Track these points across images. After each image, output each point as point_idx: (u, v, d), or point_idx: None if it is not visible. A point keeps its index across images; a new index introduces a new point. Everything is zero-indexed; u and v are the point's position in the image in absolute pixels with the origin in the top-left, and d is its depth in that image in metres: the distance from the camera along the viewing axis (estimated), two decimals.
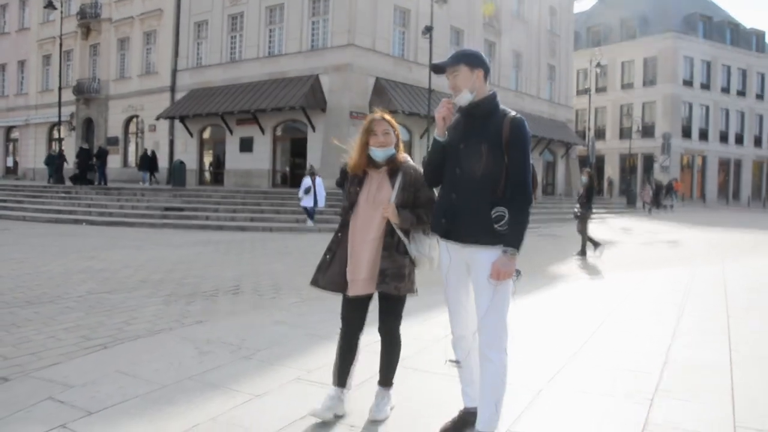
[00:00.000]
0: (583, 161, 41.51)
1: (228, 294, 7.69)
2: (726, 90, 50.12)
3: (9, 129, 43.52)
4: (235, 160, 28.08)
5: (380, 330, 3.58)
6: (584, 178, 13.35)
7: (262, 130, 26.63)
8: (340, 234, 3.59)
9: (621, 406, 3.81)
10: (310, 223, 17.54)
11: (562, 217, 25.22)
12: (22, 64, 41.71)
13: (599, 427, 3.49)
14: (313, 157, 24.36)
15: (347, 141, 3.70)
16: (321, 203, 17.48)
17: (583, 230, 12.85)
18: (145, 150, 30.43)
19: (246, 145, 27.55)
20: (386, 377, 3.64)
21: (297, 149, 26.49)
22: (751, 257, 13.06)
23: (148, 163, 28.74)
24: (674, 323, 6.09)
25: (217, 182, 29.39)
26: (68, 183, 26.33)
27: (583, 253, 12.62)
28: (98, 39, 35.32)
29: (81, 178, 25.77)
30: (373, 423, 3.48)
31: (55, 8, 28.02)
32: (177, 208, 19.74)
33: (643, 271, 10.55)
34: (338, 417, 3.53)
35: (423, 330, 5.54)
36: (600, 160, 48.35)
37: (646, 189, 36.91)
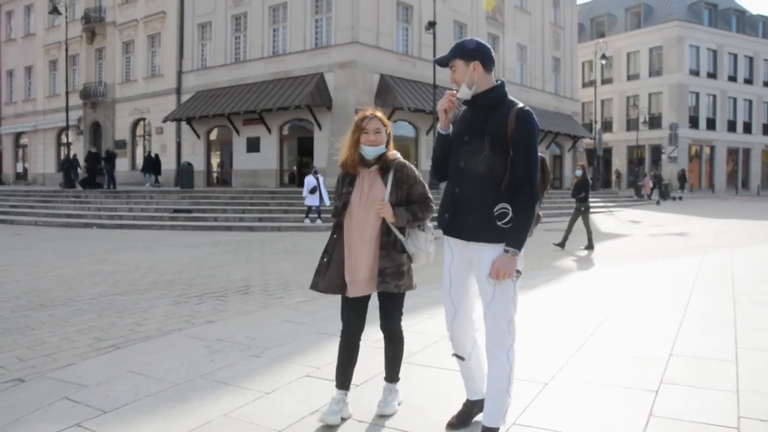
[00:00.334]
0: (590, 154, 41.47)
1: (237, 294, 7.78)
2: (733, 78, 49.75)
3: (18, 135, 43.84)
4: (242, 160, 28.19)
5: (383, 328, 3.59)
6: (578, 172, 13.36)
7: (269, 130, 26.72)
8: (335, 235, 3.55)
9: (626, 396, 3.84)
10: (318, 221, 17.67)
11: (570, 211, 25.16)
12: (29, 69, 41.97)
13: (604, 417, 3.53)
14: (319, 156, 24.45)
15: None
16: (327, 201, 17.60)
17: (586, 223, 12.86)
18: (149, 153, 30.60)
19: (253, 145, 27.65)
20: (392, 373, 3.66)
21: (304, 148, 26.57)
22: (759, 247, 13.02)
23: (151, 165, 28.91)
24: (681, 314, 6.11)
25: (224, 183, 29.52)
26: (78, 187, 26.54)
27: (590, 246, 12.64)
28: (103, 43, 35.51)
29: (90, 181, 25.98)
30: (381, 417, 3.53)
31: (60, 13, 28.24)
32: (185, 210, 19.88)
33: (651, 262, 10.56)
34: (344, 419, 3.54)
35: (429, 326, 5.59)
36: (607, 152, 48.21)
37: (645, 180, 36.85)
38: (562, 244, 12.69)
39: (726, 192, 46.50)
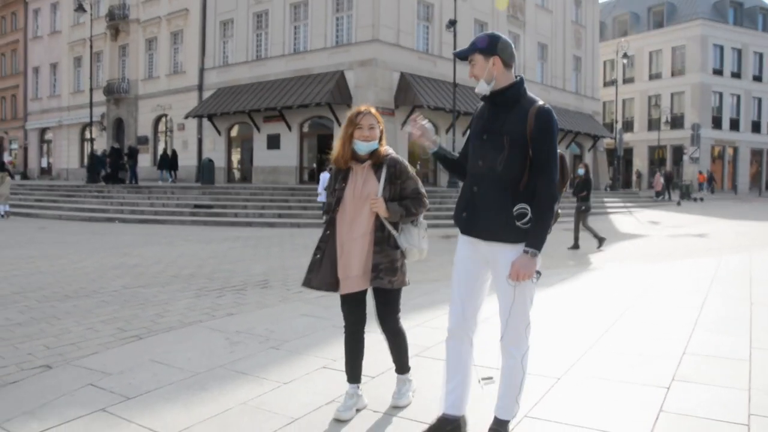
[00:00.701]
0: (611, 153, 41.20)
1: (257, 288, 7.91)
2: (758, 78, 49.00)
3: (43, 130, 44.61)
4: (262, 157, 28.39)
5: (382, 327, 3.58)
6: (580, 171, 13.26)
7: (289, 127, 26.89)
8: (328, 231, 3.53)
9: (637, 392, 3.89)
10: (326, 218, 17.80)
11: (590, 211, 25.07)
12: (54, 66, 42.64)
13: (615, 411, 3.58)
14: None
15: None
16: None
17: (583, 222, 12.80)
18: (164, 150, 30.93)
19: (273, 142, 27.84)
20: (401, 365, 3.67)
21: (324, 145, 26.69)
22: None
23: (167, 162, 29.24)
24: (696, 314, 6.12)
25: (245, 179, 29.74)
26: (101, 182, 26.93)
27: (599, 243, 12.60)
28: (127, 40, 35.96)
29: (113, 177, 26.34)
30: (396, 408, 3.60)
31: (85, 11, 28.58)
32: (206, 206, 20.10)
33: (668, 262, 10.54)
34: (359, 410, 3.59)
35: (444, 321, 5.65)
36: (628, 152, 47.83)
37: (656, 178, 36.59)
38: (575, 246, 12.65)
39: (749, 193, 45.94)
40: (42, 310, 6.46)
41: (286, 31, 27.76)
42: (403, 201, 3.42)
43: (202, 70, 31.35)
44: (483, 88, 2.96)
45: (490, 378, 3.14)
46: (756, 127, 49.11)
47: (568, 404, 3.72)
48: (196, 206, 20.09)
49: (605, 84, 47.89)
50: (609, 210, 26.54)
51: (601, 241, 12.67)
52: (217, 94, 29.66)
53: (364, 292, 3.51)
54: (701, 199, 35.95)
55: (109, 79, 36.29)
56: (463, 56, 3.04)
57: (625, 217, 23.38)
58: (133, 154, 27.40)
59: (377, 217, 3.40)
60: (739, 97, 48.08)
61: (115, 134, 36.21)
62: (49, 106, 42.91)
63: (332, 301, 6.91)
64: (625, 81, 48.22)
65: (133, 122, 35.47)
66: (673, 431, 3.31)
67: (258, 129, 28.25)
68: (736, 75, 47.89)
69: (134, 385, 4.07)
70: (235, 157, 31.12)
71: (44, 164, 45.00)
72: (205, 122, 30.55)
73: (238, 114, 27.92)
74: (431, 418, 3.41)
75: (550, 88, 34.49)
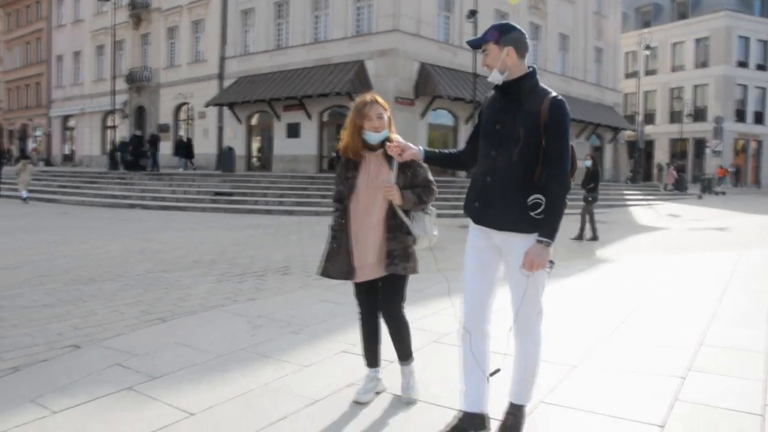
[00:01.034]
0: (632, 146, 40.89)
1: (277, 274, 8.02)
2: None
3: (66, 118, 45.18)
4: (282, 145, 28.53)
5: (385, 315, 3.57)
6: (587, 162, 13.19)
7: (309, 116, 26.99)
8: (343, 221, 3.53)
9: (652, 382, 3.93)
10: None
11: (609, 203, 24.99)
12: (77, 54, 43.11)
13: (630, 399, 3.63)
14: None
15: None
16: None
17: (590, 214, 12.71)
18: (180, 137, 31.19)
19: (293, 131, 27.95)
20: (403, 352, 3.63)
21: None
22: None
23: (183, 149, 29.48)
24: (715, 307, 6.12)
25: (264, 168, 29.92)
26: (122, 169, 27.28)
27: (580, 237, 12.54)
28: (149, 28, 36.22)
29: (134, 164, 26.65)
30: (410, 403, 3.54)
31: (108, 0, 28.83)
32: (227, 193, 20.30)
33: (687, 254, 10.52)
34: (379, 394, 3.65)
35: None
36: (649, 145, 47.38)
37: (670, 171, 36.30)
38: (594, 237, 12.61)
39: None
40: (68, 293, 6.63)
41: (307, 21, 27.81)
42: (415, 189, 3.44)
43: (223, 59, 31.50)
44: (496, 78, 2.96)
45: (498, 370, 3.11)
46: None
47: (583, 391, 3.77)
48: (216, 194, 20.30)
49: (627, 76, 47.37)
50: (628, 203, 26.39)
51: (580, 237, 12.58)
52: (237, 83, 29.81)
53: (377, 280, 3.52)
54: (723, 193, 35.60)
55: (131, 67, 36.61)
56: (476, 45, 3.03)
57: (645, 210, 23.25)
58: (155, 141, 27.71)
59: (390, 204, 3.42)
60: (764, 90, 47.33)
61: (137, 122, 36.56)
62: (72, 93, 43.41)
63: (351, 288, 7.00)
64: (648, 73, 47.71)
65: (154, 110, 35.78)
66: (688, 420, 3.36)
67: (278, 117, 28.37)
68: (762, 67, 47.11)
69: (159, 366, 4.19)
70: (255, 145, 31.29)
71: (66, 151, 45.60)
72: (226, 111, 30.74)
73: (258, 103, 28.05)
74: (447, 402, 3.52)
75: (570, 79, 34.24)
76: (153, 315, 5.74)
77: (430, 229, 3.48)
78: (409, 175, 3.44)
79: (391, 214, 3.44)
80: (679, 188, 35.25)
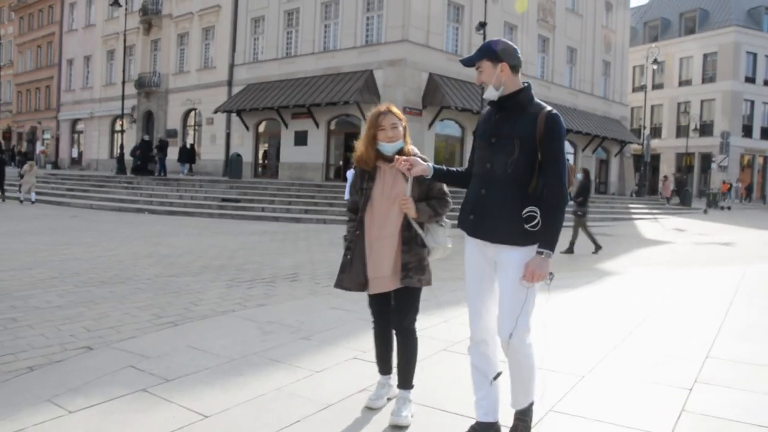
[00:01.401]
0: (638, 159, 40.91)
1: (286, 280, 8.09)
2: None
3: (75, 121, 45.48)
4: (289, 153, 28.65)
5: (397, 328, 3.52)
6: (579, 176, 13.17)
7: (317, 124, 27.12)
8: (358, 232, 3.51)
9: (660, 392, 3.98)
10: None
11: (615, 216, 25.02)
12: (87, 59, 43.43)
13: (638, 409, 3.68)
14: None
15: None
16: None
17: (583, 227, 12.65)
18: (184, 143, 31.35)
19: (300, 139, 28.08)
20: (406, 378, 3.53)
21: (350, 143, 26.85)
22: None
23: (186, 155, 29.63)
24: (720, 320, 6.16)
25: (271, 175, 30.04)
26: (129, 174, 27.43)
27: (570, 250, 12.44)
28: (159, 34, 36.47)
29: (142, 169, 26.81)
30: (396, 428, 3.38)
31: (120, 5, 29.11)
32: (234, 199, 20.39)
33: (693, 269, 10.55)
34: (391, 400, 3.64)
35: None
36: (655, 159, 47.38)
37: (666, 183, 36.28)
38: (597, 247, 12.51)
39: None
40: (80, 295, 6.70)
41: (317, 30, 27.99)
42: (430, 201, 3.42)
43: (232, 66, 31.69)
44: (492, 94, 3.01)
45: (500, 373, 3.14)
46: None
47: (592, 401, 3.82)
48: (223, 200, 20.39)
49: (634, 89, 47.46)
50: (634, 216, 26.42)
51: (571, 250, 12.44)
52: (246, 90, 29.98)
53: (391, 291, 3.50)
54: (728, 208, 35.58)
55: (140, 72, 36.86)
56: (470, 63, 3.09)
57: (651, 224, 23.26)
58: (163, 146, 27.88)
59: (405, 216, 3.40)
60: None
61: (145, 127, 36.74)
62: (81, 97, 43.71)
63: (360, 295, 7.04)
64: (655, 87, 47.77)
65: (162, 115, 35.98)
66: (695, 430, 3.41)
67: (286, 125, 28.51)
68: None
69: (172, 369, 4.24)
70: (262, 152, 31.43)
71: (75, 154, 45.85)
72: (234, 117, 30.90)
73: (266, 110, 28.20)
74: (458, 409, 3.57)
75: (578, 92, 34.34)
76: (164, 318, 5.81)
77: (444, 240, 3.45)
78: (424, 187, 3.41)
79: (406, 226, 3.42)
80: (683, 202, 35.15)
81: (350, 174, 18.21)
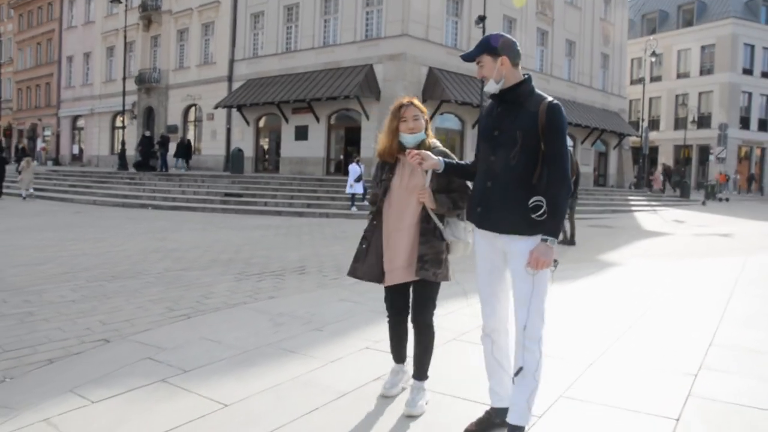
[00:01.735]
0: (636, 152, 41.00)
1: (294, 273, 8.20)
2: None
3: (75, 118, 45.48)
4: (290, 147, 28.70)
5: (415, 321, 3.52)
6: None
7: (317, 119, 27.18)
8: (375, 222, 3.54)
9: (666, 378, 4.09)
10: (354, 209, 18.21)
11: (615, 208, 25.14)
12: (87, 56, 43.39)
13: (645, 394, 3.79)
14: (366, 146, 24.83)
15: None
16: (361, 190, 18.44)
17: (570, 218, 12.54)
18: (181, 139, 31.43)
19: (301, 134, 28.13)
20: (421, 370, 3.57)
21: (351, 137, 26.98)
22: None
23: (183, 151, 29.71)
24: (722, 309, 6.27)
25: (272, 169, 30.11)
26: (131, 169, 27.51)
27: (572, 242, 12.49)
28: (159, 30, 36.44)
29: (144, 164, 26.89)
30: (410, 417, 3.45)
31: (121, 2, 29.09)
32: (236, 194, 20.48)
33: (694, 260, 10.66)
34: (405, 388, 3.70)
35: (478, 308, 5.88)
36: (653, 151, 47.45)
37: (656, 175, 36.41)
38: (572, 242, 12.43)
39: None
40: (92, 289, 6.81)
41: (316, 25, 28.01)
42: (451, 194, 3.40)
43: (232, 62, 31.71)
44: (493, 88, 3.06)
45: (521, 368, 3.09)
46: None
47: (600, 387, 3.93)
48: (226, 194, 20.49)
49: (632, 82, 47.53)
50: (633, 208, 26.54)
51: (573, 242, 12.37)
52: (246, 86, 30.02)
53: (408, 283, 3.52)
54: (726, 199, 35.70)
55: (140, 68, 36.84)
56: (470, 58, 3.12)
57: (650, 215, 23.37)
58: (165, 142, 27.94)
59: (424, 208, 3.39)
60: None
61: (146, 123, 36.77)
62: (81, 94, 43.70)
63: (368, 287, 7.08)
64: (653, 79, 47.80)
65: (163, 111, 36.00)
66: (702, 413, 3.52)
67: (286, 120, 28.56)
68: (767, 75, 47.23)
69: (189, 360, 4.34)
70: (263, 147, 31.51)
71: (75, 151, 45.87)
72: (234, 112, 30.93)
73: (267, 105, 28.23)
74: (471, 395, 3.67)
75: (576, 84, 34.41)
76: (177, 312, 5.91)
77: (464, 235, 3.43)
78: (444, 180, 3.39)
79: (424, 218, 3.41)
80: (683, 194, 35.22)
81: (352, 168, 18.38)
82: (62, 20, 46.05)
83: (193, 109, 34.95)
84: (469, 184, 3.39)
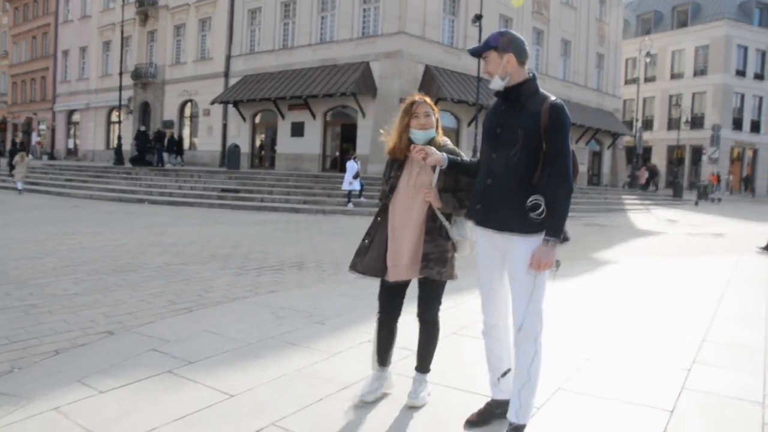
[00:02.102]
0: (630, 152, 41.20)
1: (293, 269, 8.28)
2: None
3: (71, 112, 45.37)
4: (286, 144, 28.76)
5: (420, 316, 3.55)
6: None
7: (313, 116, 27.23)
8: (379, 218, 3.54)
9: (661, 372, 4.21)
10: (350, 205, 18.31)
11: (608, 207, 25.30)
12: (83, 50, 43.32)
13: (641, 387, 3.91)
14: (362, 143, 24.92)
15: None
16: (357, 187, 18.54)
17: None
18: (172, 134, 31.48)
19: (297, 130, 28.18)
20: (424, 363, 3.62)
21: (347, 134, 27.05)
22: None
23: (174, 145, 29.72)
24: (715, 307, 6.39)
25: (268, 166, 30.15)
26: (127, 164, 27.51)
27: (565, 238, 12.66)
28: (155, 26, 36.41)
29: (140, 159, 26.89)
30: (413, 408, 3.53)
31: None
32: (233, 190, 20.52)
33: (687, 259, 10.79)
34: (386, 395, 3.65)
35: (478, 303, 5.99)
36: (647, 151, 47.68)
37: (641, 171, 36.68)
38: (565, 238, 12.64)
39: (767, 196, 45.71)
40: (93, 283, 6.87)
41: (313, 21, 28.05)
42: (458, 193, 3.40)
43: (228, 57, 31.71)
44: (497, 84, 3.04)
45: (509, 370, 3.25)
46: None
47: (597, 380, 4.05)
48: (223, 190, 20.52)
49: (626, 82, 47.75)
50: (627, 207, 26.71)
51: (564, 238, 12.62)
52: (243, 81, 30.03)
53: (406, 284, 3.54)
54: (719, 200, 35.94)
55: (136, 63, 36.78)
56: (477, 53, 3.12)
57: (643, 215, 23.53)
58: (161, 137, 27.94)
59: (430, 207, 3.39)
60: (761, 99, 47.77)
61: (142, 118, 36.71)
62: (77, 88, 43.61)
63: (368, 283, 7.16)
64: (647, 79, 48.08)
65: (159, 106, 35.97)
66: (695, 405, 3.64)
67: (282, 116, 28.60)
68: (760, 76, 47.55)
69: (193, 351, 4.42)
70: (259, 143, 31.54)
71: (71, 145, 45.76)
72: (231, 108, 30.94)
73: (263, 101, 28.27)
74: (471, 387, 3.77)
75: (571, 84, 34.58)
76: (179, 305, 5.98)
77: (470, 234, 3.41)
78: (452, 178, 3.40)
79: (431, 216, 3.41)
80: (676, 194, 35.41)
81: (350, 165, 18.45)
82: (58, 14, 45.94)
83: (189, 104, 34.95)
84: None
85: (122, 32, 31.25)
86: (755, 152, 48.02)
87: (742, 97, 46.92)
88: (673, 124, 46.44)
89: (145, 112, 37.08)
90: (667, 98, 48.79)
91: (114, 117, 39.23)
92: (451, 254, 3.45)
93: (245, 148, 29.93)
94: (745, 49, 46.83)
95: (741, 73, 46.72)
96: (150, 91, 36.35)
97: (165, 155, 28.97)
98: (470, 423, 3.31)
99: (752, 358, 4.63)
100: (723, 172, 43.62)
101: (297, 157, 28.08)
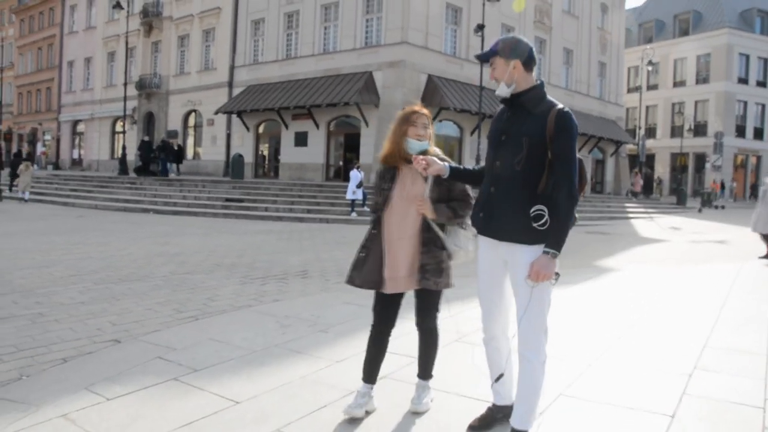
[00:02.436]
0: (633, 159, 41.23)
1: (297, 277, 8.34)
2: None
3: (75, 122, 45.66)
4: (290, 153, 28.87)
5: (419, 326, 3.57)
6: None
7: (317, 125, 27.34)
8: (375, 231, 3.52)
9: (662, 377, 4.25)
10: (354, 214, 18.39)
11: (611, 215, 25.30)
12: (88, 61, 43.60)
13: (642, 392, 3.94)
14: (365, 152, 25.00)
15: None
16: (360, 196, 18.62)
17: None
18: (172, 143, 31.61)
19: (301, 140, 28.30)
20: (426, 371, 3.65)
21: (350, 144, 27.14)
22: None
23: (174, 154, 29.85)
24: (717, 314, 6.41)
25: (272, 175, 30.26)
26: (132, 174, 27.63)
27: None
28: (160, 36, 36.64)
29: (144, 169, 27.03)
30: (416, 414, 3.57)
31: (123, 8, 29.30)
32: (237, 200, 20.61)
33: (690, 266, 10.81)
34: (369, 413, 3.58)
35: (478, 311, 6.03)
36: (650, 159, 47.73)
37: (636, 178, 36.68)
38: None
39: None
40: (100, 292, 6.94)
41: (317, 32, 28.21)
42: (451, 203, 3.39)
43: (232, 68, 31.89)
44: (504, 91, 2.99)
45: (502, 375, 3.26)
46: None
47: (599, 386, 4.08)
48: (227, 200, 20.61)
49: (629, 90, 47.82)
50: (630, 215, 26.72)
51: None
52: (246, 92, 30.18)
53: (402, 295, 3.53)
54: (722, 207, 35.91)
55: (141, 74, 36.99)
56: (484, 59, 3.07)
57: (646, 223, 23.54)
58: (165, 147, 28.07)
59: (424, 217, 3.38)
60: (764, 106, 47.79)
61: (146, 128, 36.90)
62: (82, 99, 43.88)
63: (371, 292, 7.30)
64: (649, 88, 48.15)
65: (163, 116, 36.14)
66: (696, 410, 3.67)
67: (286, 126, 28.72)
68: (762, 84, 47.60)
69: (199, 359, 4.47)
70: (263, 152, 31.66)
71: (75, 155, 46.01)
72: (234, 118, 31.09)
73: (266, 111, 28.39)
74: (473, 393, 3.81)
75: (574, 93, 34.66)
76: (185, 313, 6.05)
77: (465, 243, 3.43)
78: (445, 188, 3.40)
79: (425, 227, 3.41)
80: (680, 201, 35.40)
81: (354, 174, 18.53)
82: (63, 25, 46.28)
83: (193, 114, 35.11)
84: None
85: (127, 43, 31.45)
86: (759, 159, 48.01)
87: (745, 104, 46.96)
88: (676, 131, 46.54)
89: (149, 122, 37.27)
90: (670, 106, 48.87)
91: (118, 127, 39.44)
92: (447, 264, 3.45)
93: (249, 158, 30.05)
94: (747, 57, 46.91)
95: (743, 81, 46.78)
96: (154, 102, 36.54)
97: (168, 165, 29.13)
98: (472, 428, 3.32)
99: (753, 363, 4.65)
100: (727, 179, 43.63)
101: (300, 167, 28.18)
